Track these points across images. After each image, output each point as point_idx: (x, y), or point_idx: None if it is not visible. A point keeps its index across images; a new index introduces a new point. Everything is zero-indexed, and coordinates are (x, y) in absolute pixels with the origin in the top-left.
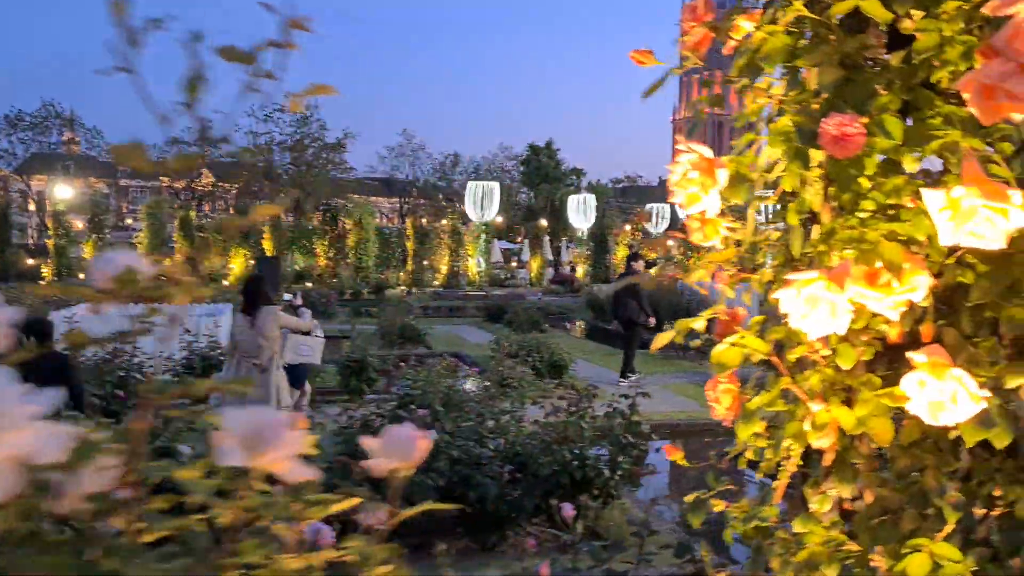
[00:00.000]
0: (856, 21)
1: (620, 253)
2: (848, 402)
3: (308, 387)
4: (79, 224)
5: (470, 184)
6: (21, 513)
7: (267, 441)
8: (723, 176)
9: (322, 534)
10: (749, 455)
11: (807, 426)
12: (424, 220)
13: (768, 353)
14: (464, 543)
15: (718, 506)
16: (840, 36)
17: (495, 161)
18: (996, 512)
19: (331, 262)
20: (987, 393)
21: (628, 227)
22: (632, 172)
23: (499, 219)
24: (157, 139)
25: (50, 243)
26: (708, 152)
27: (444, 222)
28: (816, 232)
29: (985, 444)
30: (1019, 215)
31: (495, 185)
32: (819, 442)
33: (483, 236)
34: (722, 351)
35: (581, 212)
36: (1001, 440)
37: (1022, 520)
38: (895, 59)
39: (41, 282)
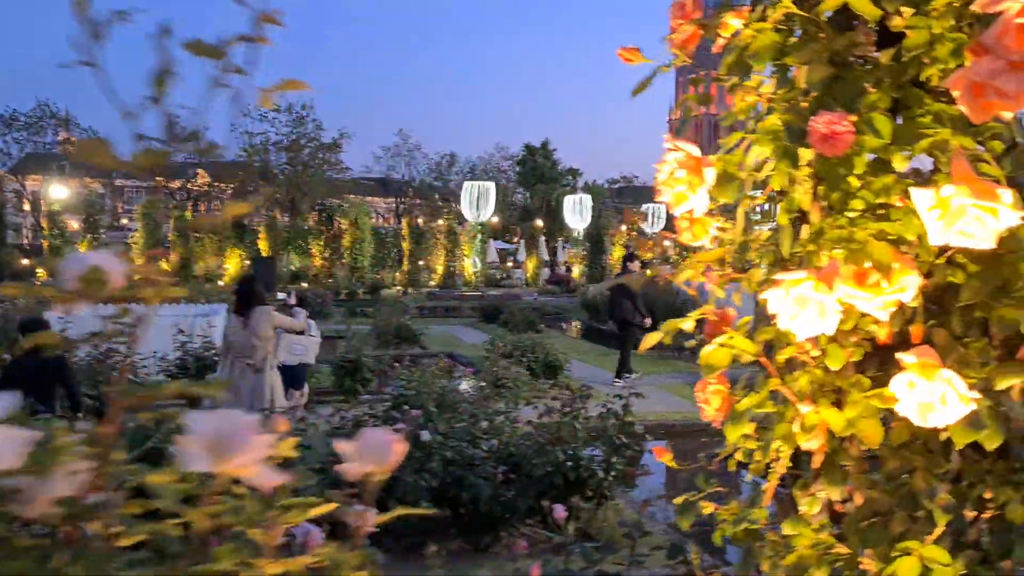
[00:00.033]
0: (845, 18)
1: (616, 253)
2: (838, 403)
3: (306, 388)
4: (74, 224)
5: (466, 184)
6: None
7: (234, 446)
8: (711, 175)
9: (312, 535)
10: (739, 457)
11: (796, 427)
12: (420, 220)
13: (757, 354)
14: (457, 544)
15: (707, 508)
16: (829, 33)
17: (491, 161)
18: (987, 515)
19: (327, 262)
20: (977, 395)
21: (624, 227)
22: (629, 172)
23: (495, 219)
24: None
25: (45, 243)
26: (695, 151)
27: (440, 222)
28: (805, 232)
29: (976, 446)
30: (1009, 214)
31: (491, 185)
32: (808, 444)
33: (479, 236)
34: (710, 352)
35: (577, 212)
36: (991, 442)
37: (1013, 523)
38: (885, 57)
39: (36, 282)
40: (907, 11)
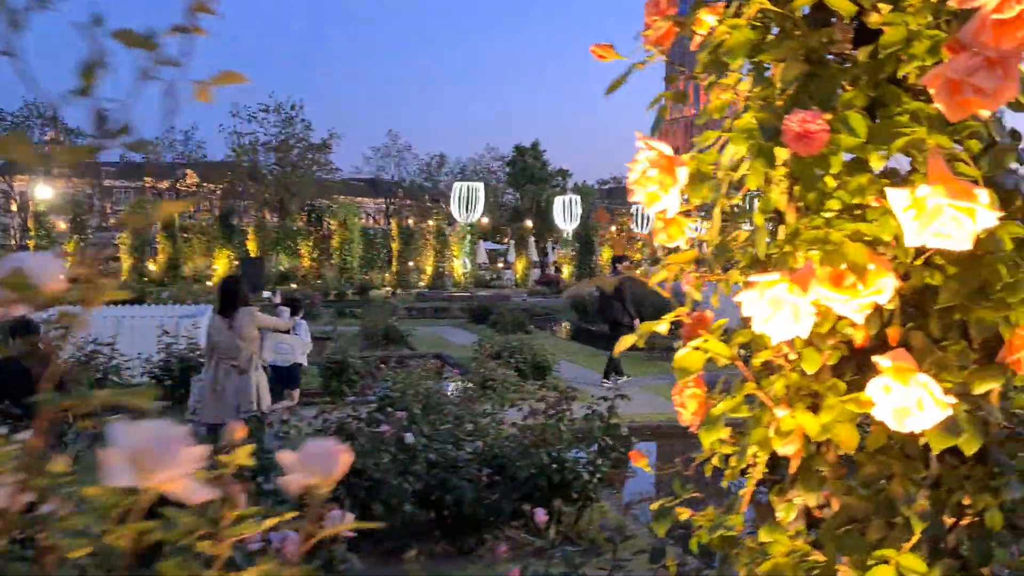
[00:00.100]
0: (822, 15)
1: (605, 254)
2: (814, 407)
3: (297, 390)
4: (62, 225)
5: (455, 185)
6: None
7: (159, 459)
8: (683, 175)
9: (289, 540)
10: (715, 462)
11: (772, 432)
12: (410, 221)
13: (732, 357)
14: (441, 547)
15: (684, 514)
16: (805, 30)
17: (481, 162)
18: (965, 521)
19: (315, 263)
20: (953, 399)
21: (614, 228)
22: (619, 173)
23: (485, 220)
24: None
25: (31, 244)
26: (668, 150)
27: (430, 223)
28: (782, 232)
29: (954, 451)
30: (986, 215)
31: (480, 186)
32: (784, 449)
33: (468, 237)
34: (684, 355)
35: (568, 213)
36: (970, 447)
37: (992, 529)
38: (862, 54)
39: None
40: (884, 7)
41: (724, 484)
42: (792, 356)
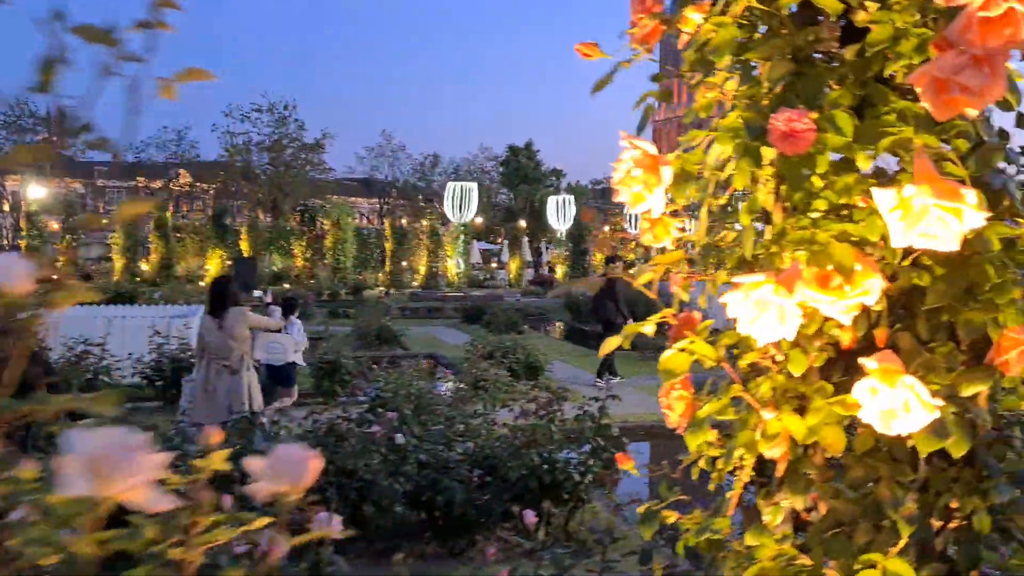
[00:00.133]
0: (809, 13)
1: (599, 255)
2: (801, 410)
3: (294, 388)
4: (55, 225)
5: (449, 185)
6: None
7: (117, 467)
8: (668, 174)
9: (274, 542)
10: (702, 464)
11: (759, 435)
12: (403, 221)
13: (718, 359)
14: (432, 548)
15: (671, 517)
16: (791, 29)
17: (475, 162)
18: (953, 524)
19: (309, 263)
20: (940, 401)
21: (607, 228)
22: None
23: (479, 220)
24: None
25: (23, 244)
26: (652, 149)
27: (423, 223)
28: (769, 233)
29: (942, 453)
30: (973, 215)
31: (473, 185)
32: (771, 451)
33: (462, 237)
34: (669, 357)
35: (562, 213)
36: (958, 450)
37: (980, 533)
38: (849, 53)
39: None
40: (871, 6)
41: (711, 487)
42: (779, 358)
